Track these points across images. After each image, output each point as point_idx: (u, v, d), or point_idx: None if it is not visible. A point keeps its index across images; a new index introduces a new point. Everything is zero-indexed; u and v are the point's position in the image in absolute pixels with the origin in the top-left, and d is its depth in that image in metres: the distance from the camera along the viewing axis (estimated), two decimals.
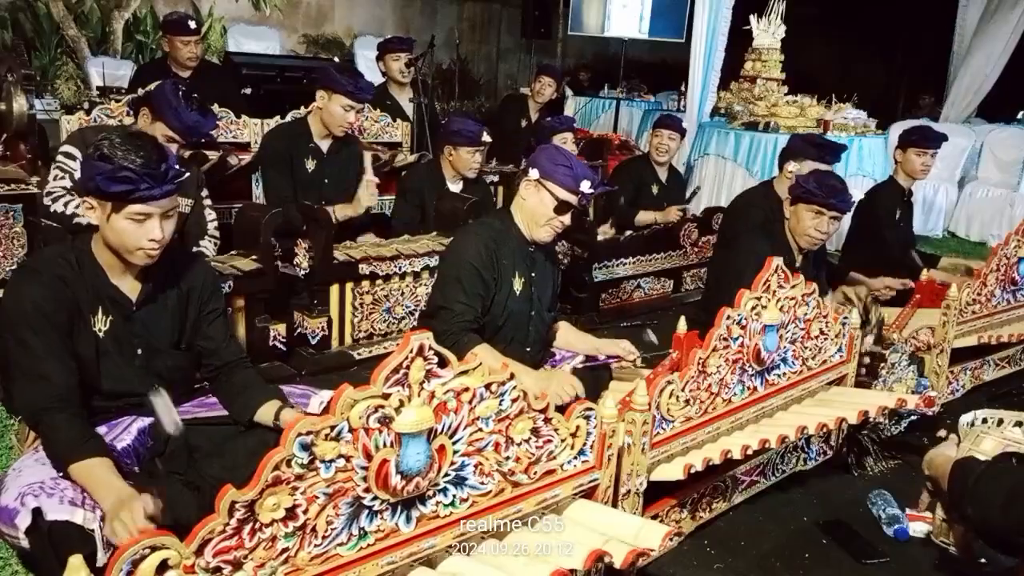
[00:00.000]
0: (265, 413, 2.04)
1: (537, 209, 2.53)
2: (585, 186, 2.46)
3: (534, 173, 2.52)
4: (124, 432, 2.03)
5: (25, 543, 1.74)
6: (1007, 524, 1.68)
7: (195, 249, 3.14)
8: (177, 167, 1.90)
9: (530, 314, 2.67)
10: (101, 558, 1.73)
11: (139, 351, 2.04)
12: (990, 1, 7.92)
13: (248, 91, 5.16)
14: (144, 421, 2.06)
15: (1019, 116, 8.09)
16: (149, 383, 2.04)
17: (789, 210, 3.07)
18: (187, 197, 3.13)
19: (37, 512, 1.71)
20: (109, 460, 1.79)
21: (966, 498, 1.75)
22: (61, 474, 1.81)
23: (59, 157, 2.93)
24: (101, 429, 1.97)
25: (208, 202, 3.29)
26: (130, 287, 2.02)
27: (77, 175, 2.77)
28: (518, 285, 2.60)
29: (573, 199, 2.50)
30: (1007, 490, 1.68)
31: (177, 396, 2.13)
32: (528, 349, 2.69)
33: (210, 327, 2.16)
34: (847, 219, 4.31)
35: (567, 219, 2.54)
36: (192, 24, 4.49)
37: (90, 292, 1.95)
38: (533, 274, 2.66)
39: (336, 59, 7.61)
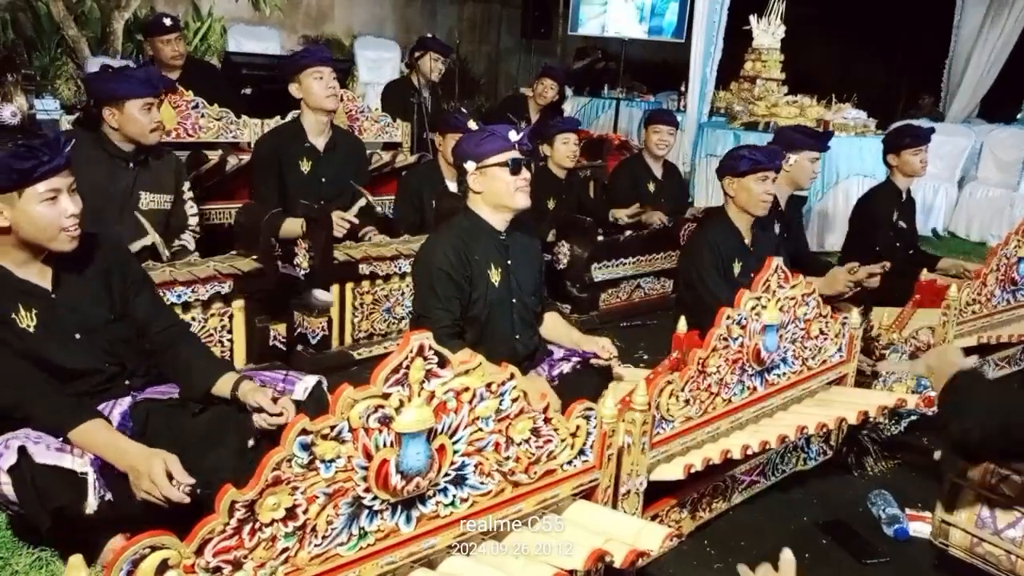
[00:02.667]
0: (221, 387, 2.08)
1: (496, 187, 2.57)
2: (512, 135, 2.54)
3: (471, 165, 2.57)
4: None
5: (8, 488, 1.79)
6: (983, 435, 1.71)
7: (177, 243, 3.16)
8: (64, 138, 1.98)
9: (511, 301, 2.69)
10: (92, 504, 1.79)
11: (77, 335, 2.06)
12: (991, 1, 7.92)
13: (248, 91, 5.14)
14: (124, 404, 2.10)
15: (1019, 116, 8.08)
16: (101, 359, 2.10)
17: (733, 190, 3.17)
18: (165, 193, 3.12)
19: (22, 452, 1.76)
20: (104, 421, 1.89)
21: (953, 412, 1.77)
22: (61, 439, 1.86)
23: None
24: None
25: (190, 195, 3.27)
26: (39, 277, 2.04)
27: None
28: (495, 277, 2.64)
29: (514, 152, 2.55)
30: (991, 403, 1.71)
31: (134, 368, 2.18)
32: (518, 336, 2.70)
33: (137, 298, 2.20)
34: (845, 223, 4.34)
35: (526, 173, 2.58)
36: (168, 21, 4.43)
37: (3, 295, 1.98)
38: (509, 262, 2.69)
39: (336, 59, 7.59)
